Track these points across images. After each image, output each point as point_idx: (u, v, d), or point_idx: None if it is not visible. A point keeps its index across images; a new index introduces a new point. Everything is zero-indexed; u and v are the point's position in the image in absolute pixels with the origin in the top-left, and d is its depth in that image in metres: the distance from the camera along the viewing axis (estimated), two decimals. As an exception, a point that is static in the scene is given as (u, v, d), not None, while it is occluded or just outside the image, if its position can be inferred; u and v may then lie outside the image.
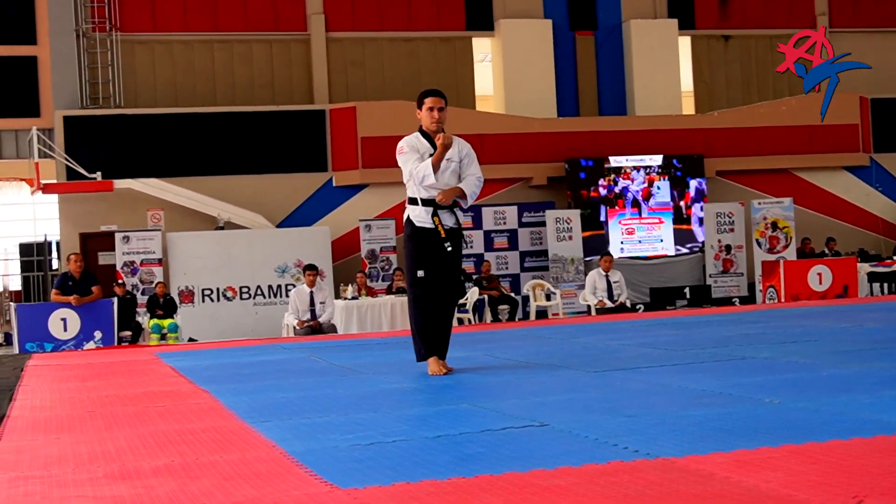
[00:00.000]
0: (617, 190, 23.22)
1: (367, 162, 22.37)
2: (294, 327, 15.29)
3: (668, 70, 25.44)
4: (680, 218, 23.49)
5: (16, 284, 26.33)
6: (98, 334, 14.80)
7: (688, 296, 21.05)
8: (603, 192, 23.13)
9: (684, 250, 23.52)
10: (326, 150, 22.91)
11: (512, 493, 3.41)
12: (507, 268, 22.59)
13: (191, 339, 18.04)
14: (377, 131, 21.91)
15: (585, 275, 19.56)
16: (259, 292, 20.84)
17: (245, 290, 20.79)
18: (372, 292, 18.84)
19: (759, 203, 23.10)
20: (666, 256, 23.37)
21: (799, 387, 5.75)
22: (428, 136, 7.33)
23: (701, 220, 23.43)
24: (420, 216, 7.28)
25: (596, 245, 22.35)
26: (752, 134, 24.48)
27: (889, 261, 21.27)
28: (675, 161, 23.54)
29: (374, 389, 6.66)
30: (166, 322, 17.53)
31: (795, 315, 11.92)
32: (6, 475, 4.23)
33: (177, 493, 3.69)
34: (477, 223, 22.21)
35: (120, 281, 18.71)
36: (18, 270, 25.94)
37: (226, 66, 23.74)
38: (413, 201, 7.33)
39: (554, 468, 3.76)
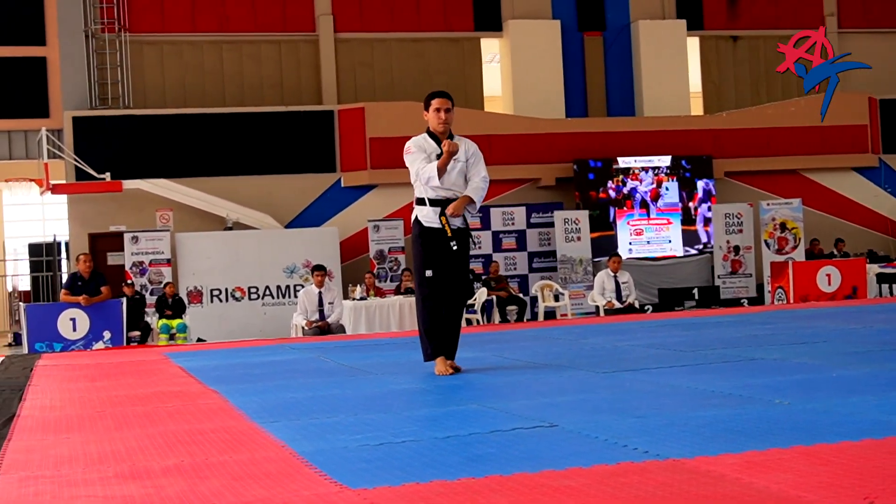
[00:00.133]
0: (625, 191, 23.20)
1: (375, 162, 22.38)
2: (303, 328, 15.30)
3: (676, 71, 25.42)
4: (688, 219, 23.47)
5: (25, 285, 26.40)
6: (107, 334, 14.82)
7: (696, 297, 21.02)
8: (612, 193, 23.11)
9: (693, 251, 23.49)
10: (335, 151, 22.92)
11: (522, 494, 3.41)
12: (515, 268, 22.58)
13: (199, 340, 18.05)
14: (386, 132, 21.91)
15: (594, 275, 19.55)
16: (267, 293, 20.85)
17: (254, 290, 20.81)
18: (380, 293, 18.85)
19: (768, 204, 23.06)
20: (674, 257, 23.34)
21: (809, 388, 5.73)
22: (435, 137, 7.35)
23: (707, 221, 23.40)
24: (428, 216, 7.30)
25: (604, 246, 22.32)
26: (760, 135, 24.44)
27: (898, 262, 21.25)
28: (683, 162, 23.51)
29: (383, 390, 6.66)
30: (175, 322, 17.55)
31: (804, 316, 11.90)
32: (16, 475, 4.24)
33: (187, 493, 3.69)
34: (485, 224, 22.21)
35: (129, 281, 18.74)
36: (28, 271, 26.02)
37: (234, 67, 23.77)
38: (421, 201, 7.35)
39: (564, 469, 3.75)
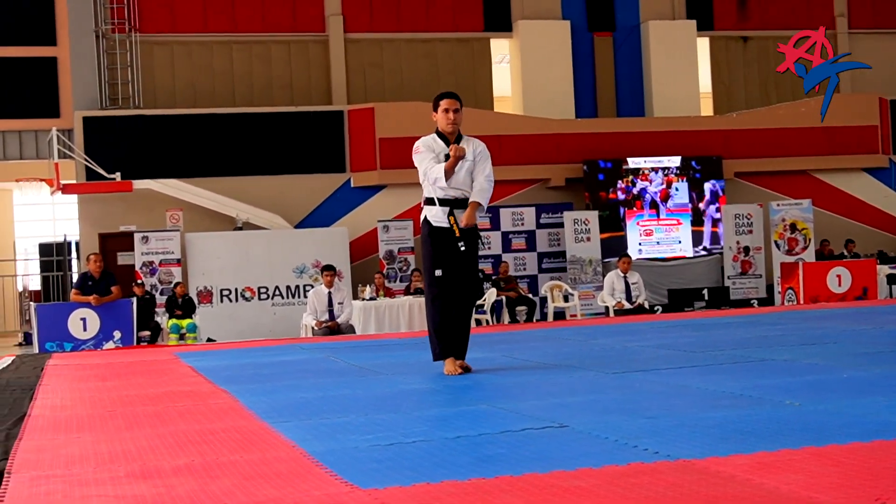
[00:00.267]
0: (635, 191, 23.17)
1: (385, 163, 22.38)
2: (312, 328, 15.32)
3: (686, 71, 25.39)
4: (698, 220, 23.44)
5: (35, 284, 26.47)
6: (117, 334, 14.85)
7: (706, 297, 20.98)
8: (621, 193, 23.08)
9: (702, 252, 23.46)
10: (344, 151, 22.93)
11: (532, 494, 3.41)
12: (524, 269, 22.57)
13: (209, 340, 18.08)
14: (395, 132, 21.90)
15: (603, 276, 19.54)
16: (277, 293, 20.87)
17: (263, 290, 20.82)
18: (390, 293, 18.86)
19: (778, 205, 23.02)
20: (684, 258, 23.30)
21: (819, 389, 5.73)
22: (444, 138, 7.39)
23: (715, 222, 23.37)
24: (437, 216, 7.33)
25: (614, 246, 22.29)
26: (770, 135, 24.39)
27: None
28: (693, 162, 23.47)
29: (393, 390, 6.66)
30: (185, 322, 17.57)
31: (814, 317, 11.88)
32: (28, 474, 4.25)
33: (197, 493, 3.70)
34: (495, 224, 22.21)
35: (139, 281, 18.76)
36: (38, 270, 26.08)
37: (244, 67, 23.80)
38: (430, 201, 7.38)
39: (574, 469, 3.76)
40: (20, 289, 26.31)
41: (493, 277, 20.48)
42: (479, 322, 17.92)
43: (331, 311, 15.25)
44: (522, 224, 22.62)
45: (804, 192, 24.23)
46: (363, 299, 17.61)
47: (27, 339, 21.29)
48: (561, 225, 22.46)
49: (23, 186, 23.26)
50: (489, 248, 21.95)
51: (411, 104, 22.21)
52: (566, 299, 20.60)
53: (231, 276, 20.64)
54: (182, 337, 17.31)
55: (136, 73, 23.01)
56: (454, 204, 7.30)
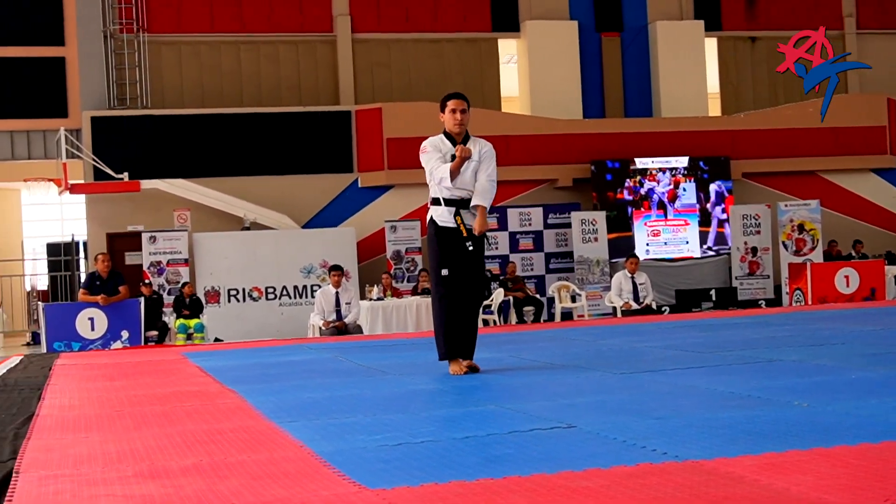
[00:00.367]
0: (643, 192, 23.16)
1: (392, 163, 22.39)
2: (320, 328, 15.32)
3: (694, 71, 25.36)
4: (706, 220, 23.42)
5: (43, 284, 26.49)
6: (125, 334, 14.87)
7: (714, 298, 20.96)
8: (628, 194, 23.06)
9: (710, 252, 23.44)
10: (352, 151, 22.95)
11: (540, 495, 3.41)
12: (532, 269, 22.57)
13: (217, 340, 18.10)
14: (403, 132, 21.90)
15: (611, 276, 19.53)
16: (285, 293, 20.88)
17: (271, 290, 20.84)
18: (397, 293, 18.86)
19: (786, 205, 22.99)
20: (692, 258, 23.29)
21: (828, 390, 5.72)
22: (451, 139, 7.42)
23: (721, 223, 23.35)
24: (443, 216, 7.36)
25: (621, 247, 22.28)
26: (778, 136, 24.36)
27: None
28: (701, 163, 23.46)
29: (400, 390, 6.67)
30: (192, 322, 17.60)
31: (822, 318, 11.86)
32: (36, 473, 4.26)
33: (206, 493, 3.70)
34: (502, 224, 22.20)
35: (147, 281, 18.79)
36: (46, 270, 26.10)
37: (252, 67, 23.82)
38: (436, 201, 7.41)
39: (582, 470, 3.75)
40: (28, 288, 26.36)
41: (501, 278, 20.47)
42: (486, 322, 17.92)
43: (338, 312, 15.26)
44: (530, 224, 22.61)
45: (812, 192, 24.20)
46: (371, 299, 17.62)
47: (35, 339, 21.33)
48: (568, 225, 22.45)
49: (31, 186, 23.28)
50: (496, 248, 21.93)
51: (419, 104, 22.22)
52: (573, 300, 20.59)
53: (239, 276, 20.66)
54: (190, 337, 17.33)
55: (144, 73, 23.03)
56: (460, 204, 7.33)
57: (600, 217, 22.39)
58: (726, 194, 23.51)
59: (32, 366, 9.97)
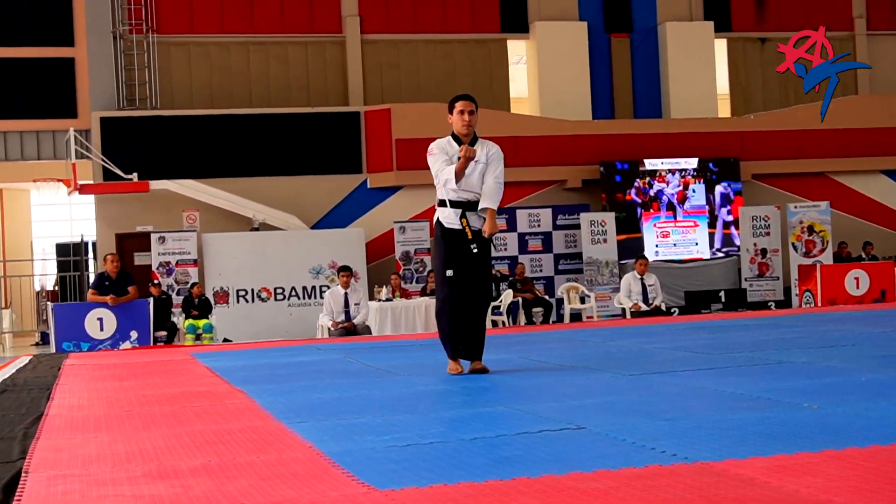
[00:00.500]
0: (652, 193, 23.13)
1: (401, 164, 22.39)
2: (328, 328, 15.32)
3: (703, 72, 25.32)
4: (715, 222, 23.39)
5: (52, 284, 26.53)
6: (134, 334, 14.89)
7: (723, 299, 20.93)
8: (638, 195, 23.03)
9: (720, 254, 23.41)
10: (361, 152, 22.95)
11: (549, 496, 3.40)
12: (541, 270, 22.55)
13: (225, 340, 18.11)
14: (412, 133, 21.90)
15: (620, 278, 19.51)
16: (293, 293, 20.89)
17: (280, 291, 20.85)
18: (406, 294, 18.86)
19: (796, 207, 22.95)
20: (701, 260, 23.26)
21: (838, 391, 5.71)
22: (459, 140, 7.46)
23: (727, 225, 23.31)
24: (449, 218, 7.40)
25: (631, 248, 22.26)
26: (788, 137, 24.31)
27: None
28: (710, 164, 23.43)
29: (409, 391, 6.67)
30: (201, 322, 17.60)
31: (832, 319, 11.85)
32: (45, 473, 4.26)
33: (214, 493, 3.70)
34: (511, 225, 22.18)
35: (155, 281, 18.80)
36: (55, 270, 26.13)
37: (261, 68, 23.83)
38: (442, 203, 7.44)
39: (591, 471, 3.75)
40: (37, 289, 26.40)
41: (510, 279, 20.46)
42: (495, 323, 17.91)
43: (347, 312, 15.26)
44: (539, 225, 22.59)
45: (822, 193, 24.15)
46: (379, 300, 17.62)
47: (44, 339, 21.35)
48: (577, 226, 22.44)
49: (40, 187, 23.30)
50: (505, 249, 21.92)
51: (428, 105, 22.21)
52: (582, 301, 20.56)
53: (247, 276, 20.68)
54: (198, 337, 17.35)
55: (154, 73, 23.06)
56: (466, 206, 7.35)
57: (609, 218, 22.37)
58: (732, 196, 23.47)
59: (41, 366, 9.99)
